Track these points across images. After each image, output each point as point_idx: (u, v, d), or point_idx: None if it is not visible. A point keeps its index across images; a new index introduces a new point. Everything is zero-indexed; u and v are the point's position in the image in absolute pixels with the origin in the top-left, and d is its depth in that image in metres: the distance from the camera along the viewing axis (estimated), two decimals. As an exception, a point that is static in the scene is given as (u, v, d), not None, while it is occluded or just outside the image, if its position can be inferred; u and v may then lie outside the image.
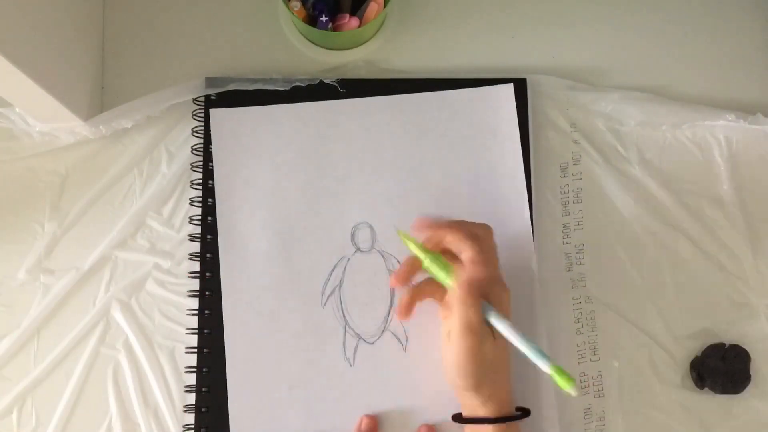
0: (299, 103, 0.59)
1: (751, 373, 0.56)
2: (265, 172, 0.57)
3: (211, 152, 0.57)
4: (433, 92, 0.59)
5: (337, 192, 0.57)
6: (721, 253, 0.59)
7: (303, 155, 0.58)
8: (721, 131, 0.60)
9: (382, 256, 0.56)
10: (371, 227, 0.57)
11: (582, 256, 0.58)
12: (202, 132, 0.58)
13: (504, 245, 0.55)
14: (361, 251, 0.57)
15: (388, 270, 0.56)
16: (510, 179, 0.58)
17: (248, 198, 0.57)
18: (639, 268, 0.58)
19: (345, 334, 0.55)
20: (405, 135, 0.59)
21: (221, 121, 0.58)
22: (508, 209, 0.57)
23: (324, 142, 0.58)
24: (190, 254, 0.57)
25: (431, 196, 0.58)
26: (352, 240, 0.57)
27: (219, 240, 0.56)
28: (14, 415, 0.54)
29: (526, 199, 0.57)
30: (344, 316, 0.55)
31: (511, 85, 0.59)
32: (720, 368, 0.56)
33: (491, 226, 0.51)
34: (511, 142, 0.58)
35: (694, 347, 0.57)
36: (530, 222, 0.57)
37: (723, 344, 0.57)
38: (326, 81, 0.59)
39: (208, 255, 0.56)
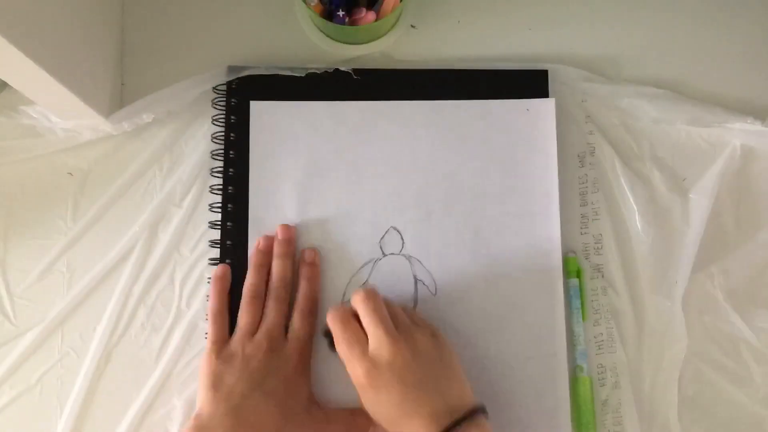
0: (338, 102, 0.58)
1: None
2: (299, 168, 0.57)
3: (231, 140, 0.58)
4: (473, 101, 0.58)
5: (368, 194, 0.57)
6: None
7: (338, 154, 0.58)
8: (736, 133, 0.59)
9: (409, 261, 0.56)
10: (400, 232, 0.57)
11: (600, 247, 0.58)
12: (223, 120, 0.58)
13: (531, 262, 0.56)
14: (389, 255, 0.57)
15: (414, 276, 0.56)
16: (544, 196, 0.57)
17: (281, 192, 0.57)
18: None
19: None
20: (441, 141, 0.58)
21: (260, 113, 0.58)
22: (539, 225, 0.57)
23: (360, 142, 0.58)
24: (211, 241, 0.57)
25: (462, 204, 0.57)
26: (381, 243, 0.57)
27: (249, 230, 0.56)
28: (37, 401, 0.55)
29: (558, 216, 0.57)
30: None
31: (552, 100, 0.58)
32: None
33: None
34: (548, 158, 0.58)
35: (712, 338, 0.57)
36: (560, 240, 0.56)
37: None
38: (341, 69, 0.59)
39: (228, 242, 0.57)
